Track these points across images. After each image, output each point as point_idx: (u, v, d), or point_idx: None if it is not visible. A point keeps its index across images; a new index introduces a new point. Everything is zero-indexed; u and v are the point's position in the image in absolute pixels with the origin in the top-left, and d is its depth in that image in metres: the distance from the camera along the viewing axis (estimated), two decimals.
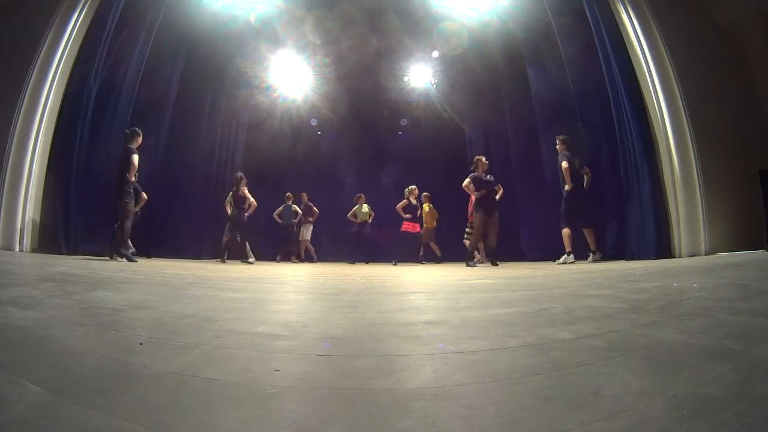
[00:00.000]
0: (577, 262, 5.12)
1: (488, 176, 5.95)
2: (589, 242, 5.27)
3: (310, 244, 8.46)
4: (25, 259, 4.14)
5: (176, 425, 0.65)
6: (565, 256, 5.22)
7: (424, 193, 7.92)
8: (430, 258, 7.64)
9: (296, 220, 8.38)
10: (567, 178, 5.29)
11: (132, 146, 4.95)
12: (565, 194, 5.36)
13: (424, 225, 7.76)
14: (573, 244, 5.25)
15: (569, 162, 5.31)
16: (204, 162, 8.27)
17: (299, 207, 8.46)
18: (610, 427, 0.64)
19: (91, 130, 5.31)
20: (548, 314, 1.57)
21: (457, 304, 1.99)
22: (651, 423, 0.65)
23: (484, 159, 6.01)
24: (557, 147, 5.54)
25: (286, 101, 9.55)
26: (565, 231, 5.29)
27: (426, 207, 7.83)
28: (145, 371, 0.88)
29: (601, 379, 0.83)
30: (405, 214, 7.74)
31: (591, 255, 5.20)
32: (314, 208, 8.57)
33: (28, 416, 0.66)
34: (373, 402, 0.75)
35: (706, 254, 4.52)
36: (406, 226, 7.72)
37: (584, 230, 5.30)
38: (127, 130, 5.10)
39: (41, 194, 5.05)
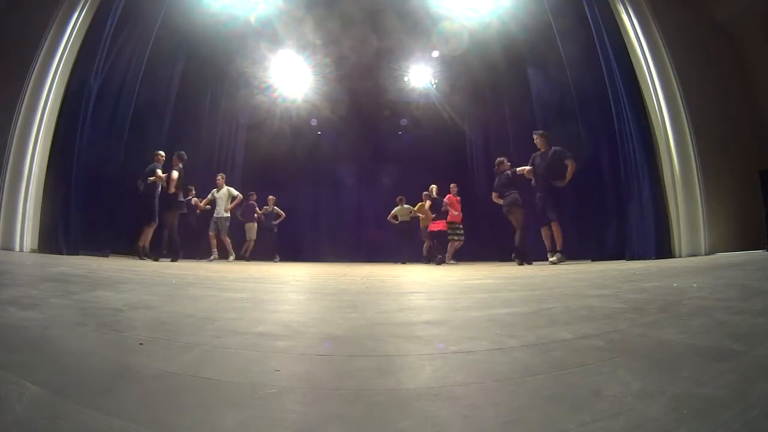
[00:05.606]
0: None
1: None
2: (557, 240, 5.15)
3: (252, 243, 8.32)
4: (25, 259, 4.14)
5: (176, 425, 0.65)
6: (559, 254, 5.07)
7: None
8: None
9: (276, 222, 8.55)
10: (571, 175, 5.12)
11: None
12: (560, 188, 5.20)
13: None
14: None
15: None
16: (204, 161, 8.27)
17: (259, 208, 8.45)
18: (610, 427, 0.64)
19: (91, 130, 5.31)
20: (548, 314, 1.57)
21: (457, 304, 1.99)
22: (651, 423, 0.65)
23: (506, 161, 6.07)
24: (542, 141, 5.42)
25: (286, 101, 9.56)
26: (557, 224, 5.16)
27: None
28: (145, 371, 0.88)
29: (601, 379, 0.83)
30: (432, 213, 7.65)
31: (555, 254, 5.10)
32: (256, 207, 8.47)
33: (28, 416, 0.65)
34: (373, 402, 0.75)
35: (706, 254, 4.52)
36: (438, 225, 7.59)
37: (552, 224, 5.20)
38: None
39: (41, 194, 5.04)
